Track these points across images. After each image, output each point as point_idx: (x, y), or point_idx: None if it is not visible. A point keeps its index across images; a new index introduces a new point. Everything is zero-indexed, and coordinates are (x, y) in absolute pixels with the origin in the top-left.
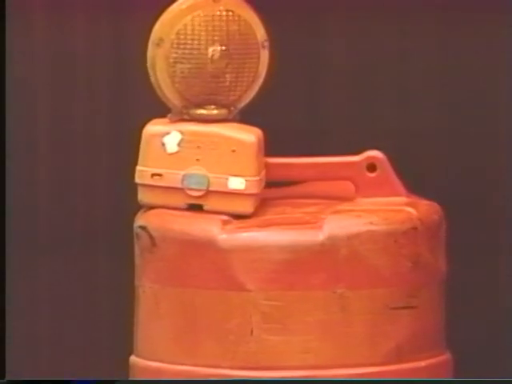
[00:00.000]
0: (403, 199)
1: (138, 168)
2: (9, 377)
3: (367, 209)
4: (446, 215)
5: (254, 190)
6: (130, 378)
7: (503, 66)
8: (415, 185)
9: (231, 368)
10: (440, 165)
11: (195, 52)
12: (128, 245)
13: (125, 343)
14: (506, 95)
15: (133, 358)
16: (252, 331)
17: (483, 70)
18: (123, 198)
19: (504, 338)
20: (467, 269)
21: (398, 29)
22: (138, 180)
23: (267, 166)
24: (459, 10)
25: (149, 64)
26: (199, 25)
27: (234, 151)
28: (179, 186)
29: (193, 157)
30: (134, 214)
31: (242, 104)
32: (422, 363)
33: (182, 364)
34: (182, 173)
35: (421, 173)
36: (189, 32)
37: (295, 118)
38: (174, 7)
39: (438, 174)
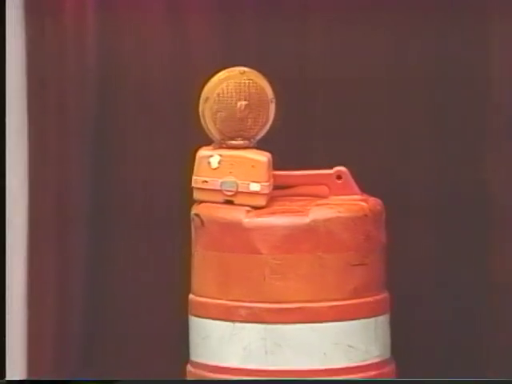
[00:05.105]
0: (359, 197)
1: (194, 177)
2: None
3: (336, 203)
4: (385, 207)
5: (266, 191)
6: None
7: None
8: (367, 188)
9: (251, 302)
10: (382, 176)
11: (229, 105)
12: (187, 225)
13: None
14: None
15: (190, 296)
16: (265, 279)
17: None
18: (185, 196)
19: (425, 283)
20: (399, 240)
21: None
22: (193, 184)
23: (274, 176)
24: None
25: (200, 114)
26: (231, 88)
27: (253, 166)
28: (219, 188)
29: (227, 170)
30: (191, 206)
31: (258, 137)
32: (370, 298)
33: (220, 299)
34: (221, 180)
35: (370, 180)
36: (225, 93)
37: (291, 146)
38: (215, 78)
39: (381, 181)
